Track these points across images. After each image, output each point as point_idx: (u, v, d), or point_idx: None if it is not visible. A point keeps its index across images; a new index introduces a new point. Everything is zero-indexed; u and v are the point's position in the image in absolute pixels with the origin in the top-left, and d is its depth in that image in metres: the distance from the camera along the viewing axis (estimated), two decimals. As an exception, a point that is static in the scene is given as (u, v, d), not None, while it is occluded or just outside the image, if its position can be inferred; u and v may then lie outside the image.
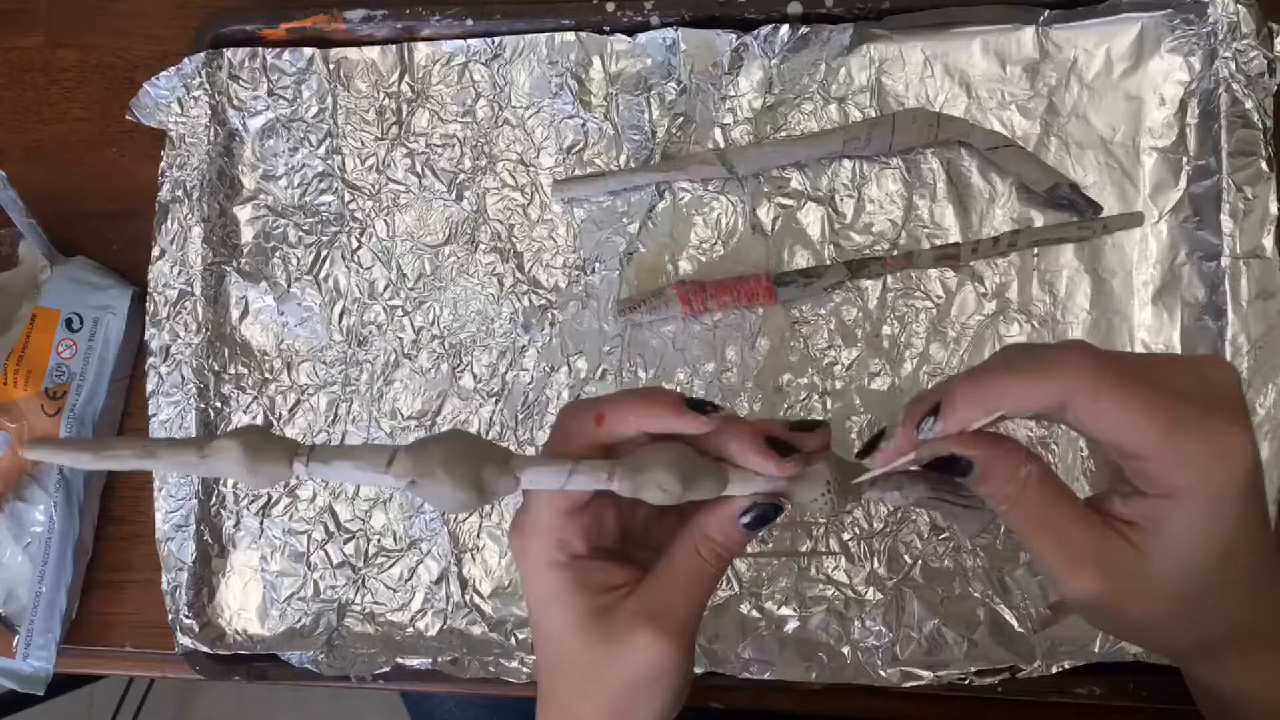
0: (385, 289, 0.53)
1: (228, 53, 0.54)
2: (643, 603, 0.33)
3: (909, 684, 0.47)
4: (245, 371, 0.54)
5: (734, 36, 0.50)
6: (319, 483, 0.53)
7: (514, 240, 0.53)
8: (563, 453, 0.32)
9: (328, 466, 0.29)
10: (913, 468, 0.32)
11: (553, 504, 0.33)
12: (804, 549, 0.49)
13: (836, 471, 0.33)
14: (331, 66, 0.54)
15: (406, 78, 0.54)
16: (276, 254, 0.54)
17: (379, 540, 0.53)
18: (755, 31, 0.50)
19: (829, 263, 0.50)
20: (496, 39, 0.53)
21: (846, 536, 0.49)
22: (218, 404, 0.54)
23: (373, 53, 0.54)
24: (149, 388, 0.53)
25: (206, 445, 0.28)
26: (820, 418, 0.34)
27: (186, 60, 0.54)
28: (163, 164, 0.54)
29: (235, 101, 0.54)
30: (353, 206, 0.54)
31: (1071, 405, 0.28)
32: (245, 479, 0.29)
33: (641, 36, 0.51)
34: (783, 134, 0.51)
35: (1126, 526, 0.30)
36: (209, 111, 0.54)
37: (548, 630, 0.34)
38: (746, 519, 0.33)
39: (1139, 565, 0.29)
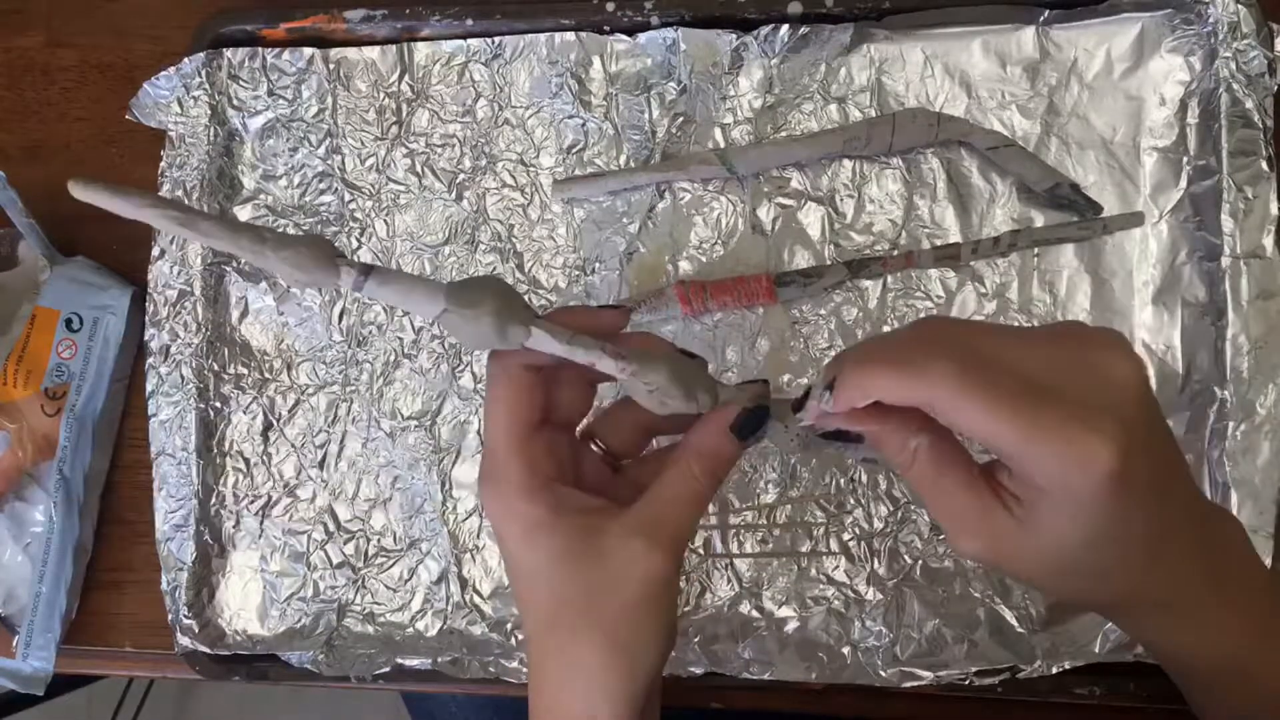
0: (385, 289, 0.53)
1: (228, 53, 0.54)
2: (635, 518, 0.33)
3: (909, 684, 0.47)
4: (245, 371, 0.54)
5: (734, 36, 0.50)
6: (319, 483, 0.53)
7: (514, 240, 0.53)
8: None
9: (382, 288, 0.30)
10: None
11: (509, 430, 0.34)
12: (804, 549, 0.49)
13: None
14: (331, 66, 0.54)
15: (406, 78, 0.54)
16: (276, 254, 0.54)
17: (379, 540, 0.53)
18: (755, 31, 0.50)
19: (829, 263, 0.50)
20: (496, 39, 0.53)
21: (846, 537, 0.49)
22: (218, 404, 0.54)
23: (373, 53, 0.54)
24: (149, 388, 0.53)
25: (279, 243, 0.29)
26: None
27: (186, 60, 0.54)
28: (163, 164, 0.54)
29: (235, 101, 0.54)
30: (353, 206, 0.54)
31: (935, 409, 0.29)
32: (296, 281, 0.30)
33: (641, 36, 0.51)
34: (783, 134, 0.51)
35: (1011, 498, 0.31)
36: (209, 111, 0.54)
37: (534, 567, 0.34)
38: (737, 427, 0.33)
39: (1018, 534, 0.31)
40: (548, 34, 0.52)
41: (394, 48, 0.54)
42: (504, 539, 0.35)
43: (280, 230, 0.29)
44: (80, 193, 0.28)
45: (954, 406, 0.29)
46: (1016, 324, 0.49)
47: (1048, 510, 0.30)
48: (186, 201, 0.54)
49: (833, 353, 0.50)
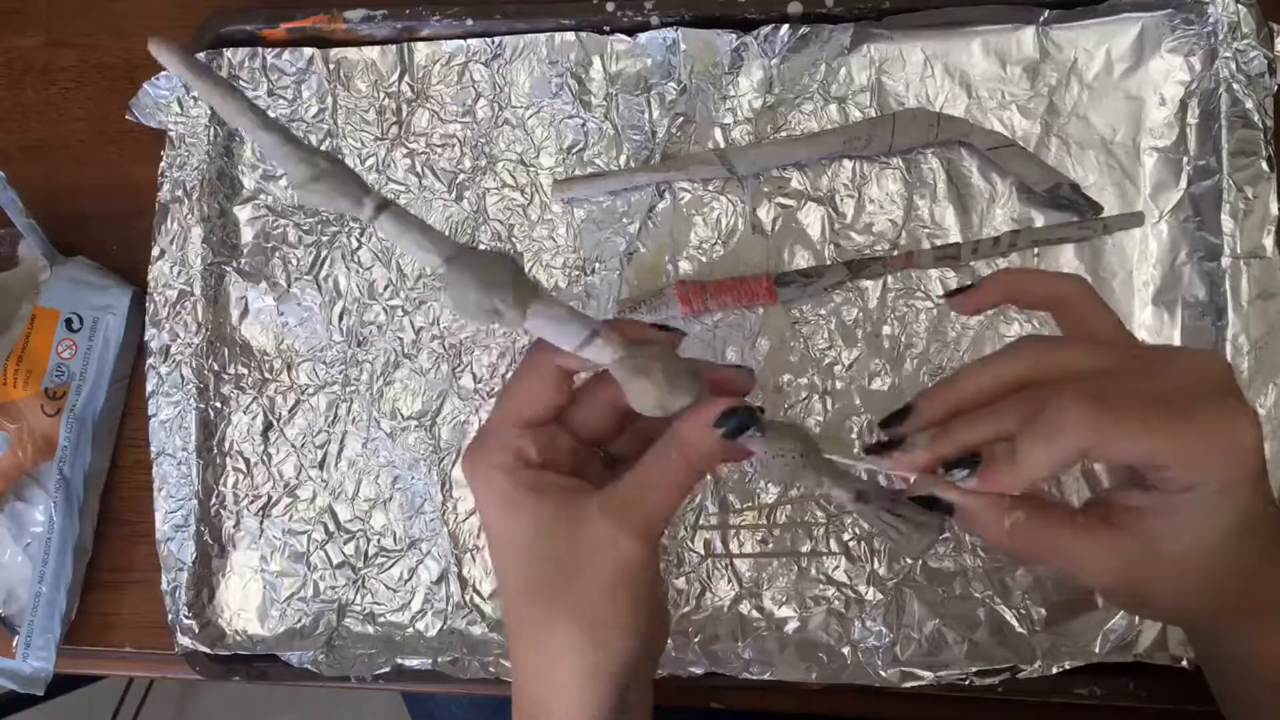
0: (385, 289, 0.53)
1: (228, 53, 0.54)
2: (608, 499, 0.33)
3: (909, 684, 0.47)
4: (245, 371, 0.54)
5: (734, 36, 0.50)
6: (319, 483, 0.53)
7: (514, 240, 0.53)
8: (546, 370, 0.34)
9: (394, 225, 0.30)
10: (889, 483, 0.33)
11: (510, 413, 0.34)
12: (804, 549, 0.49)
13: (806, 445, 0.33)
14: (331, 66, 0.54)
15: (406, 78, 0.54)
16: (276, 254, 0.54)
17: (379, 540, 0.53)
18: (755, 31, 0.50)
19: (829, 263, 0.50)
20: (496, 39, 0.53)
21: (846, 537, 0.49)
22: (218, 404, 0.54)
23: (373, 53, 0.54)
24: (149, 388, 0.53)
25: (314, 160, 0.29)
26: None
27: (186, 60, 0.54)
28: (163, 164, 0.54)
29: (235, 101, 0.54)
30: (353, 206, 0.54)
31: (1091, 455, 0.30)
32: (312, 199, 0.29)
33: (641, 36, 0.51)
34: (783, 134, 0.51)
35: (1136, 516, 0.32)
36: (209, 111, 0.54)
37: (510, 541, 0.34)
38: (720, 423, 0.32)
39: (1152, 552, 0.31)
40: (548, 34, 0.52)
41: (394, 48, 0.54)
42: (483, 510, 0.35)
43: (311, 147, 0.29)
44: (157, 52, 0.29)
45: (1109, 444, 0.30)
46: (1017, 324, 0.49)
47: (1192, 507, 0.31)
48: (186, 204, 0.54)
49: (833, 353, 0.50)
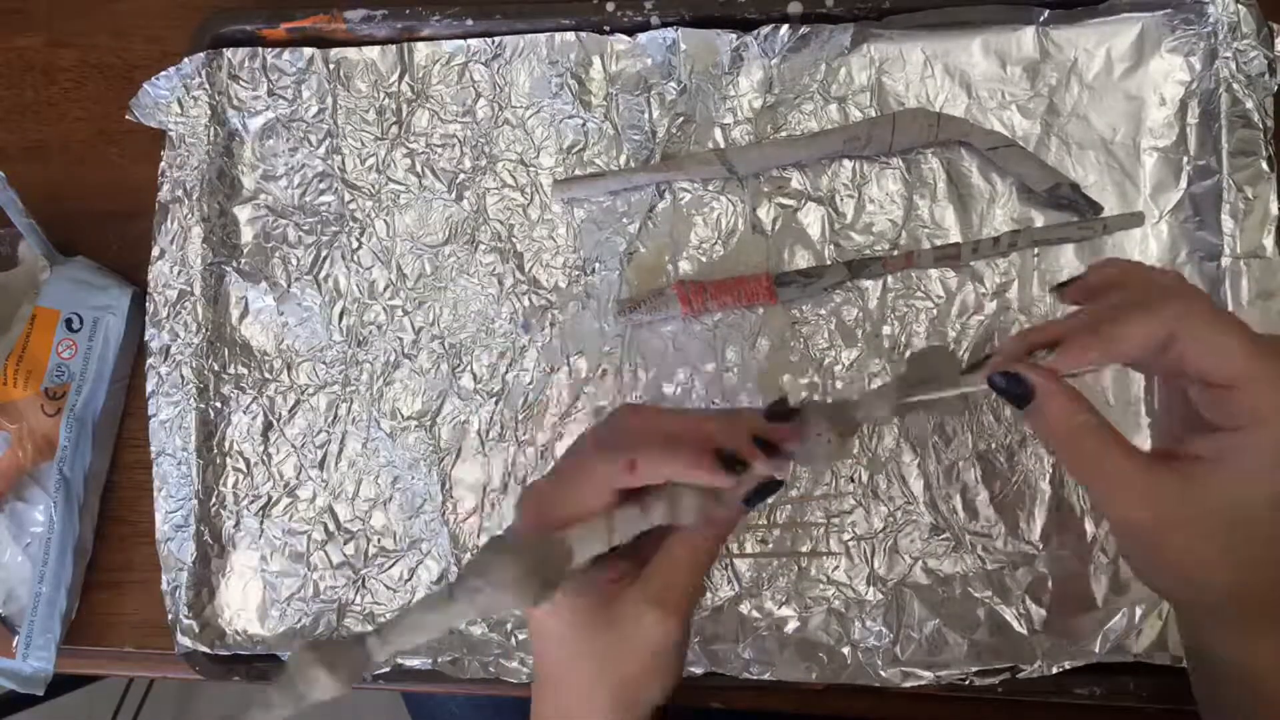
0: (385, 289, 0.53)
1: (228, 53, 0.54)
2: (647, 587, 0.35)
3: (909, 684, 0.47)
4: (245, 371, 0.54)
5: (734, 36, 0.50)
6: (319, 483, 0.53)
7: (514, 240, 0.53)
8: (591, 499, 0.34)
9: (402, 638, 0.32)
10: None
11: (556, 523, 0.34)
12: (804, 549, 0.49)
13: (829, 421, 0.35)
14: (331, 66, 0.54)
15: (406, 78, 0.54)
16: (276, 254, 0.54)
17: (379, 541, 0.53)
18: (755, 31, 0.50)
19: (829, 263, 0.50)
20: (496, 39, 0.53)
21: (846, 537, 0.49)
22: (218, 404, 0.54)
23: (373, 53, 0.54)
24: (149, 388, 0.53)
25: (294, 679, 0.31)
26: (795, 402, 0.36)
27: (186, 60, 0.54)
28: (163, 164, 0.54)
29: (235, 101, 0.54)
30: (353, 206, 0.54)
31: (1176, 340, 0.31)
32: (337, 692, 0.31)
33: (641, 36, 0.51)
34: (783, 134, 0.51)
35: (1184, 462, 0.32)
36: (209, 111, 0.54)
37: (554, 630, 0.35)
38: (749, 501, 0.34)
39: (1189, 493, 0.31)
40: (548, 34, 0.52)
41: (394, 48, 0.54)
42: (528, 612, 0.37)
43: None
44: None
45: (1195, 333, 0.31)
46: (1018, 324, 0.49)
47: (1248, 450, 0.31)
48: (186, 204, 0.54)
49: (833, 353, 0.50)
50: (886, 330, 0.50)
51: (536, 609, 0.35)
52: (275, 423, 0.54)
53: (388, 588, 0.52)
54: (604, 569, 0.35)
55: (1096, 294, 0.35)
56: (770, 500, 0.35)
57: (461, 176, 0.53)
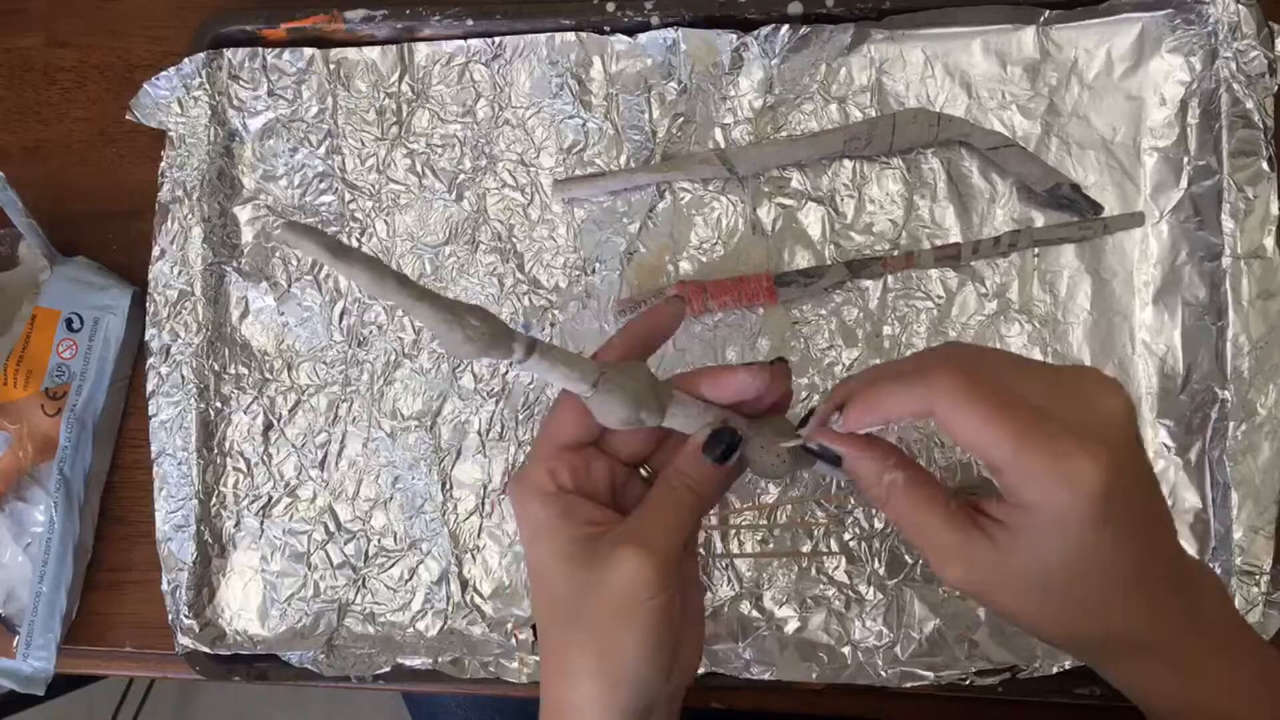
0: (385, 289, 0.53)
1: (228, 53, 0.54)
2: (623, 528, 0.35)
3: (909, 684, 0.47)
4: (245, 371, 0.54)
5: (734, 36, 0.50)
6: (320, 483, 0.53)
7: (514, 240, 0.53)
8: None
9: (539, 363, 0.33)
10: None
11: (548, 440, 0.36)
12: (804, 549, 0.49)
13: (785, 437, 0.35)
14: (331, 66, 0.54)
15: (406, 78, 0.54)
16: (276, 254, 0.54)
17: (379, 540, 0.53)
18: (755, 31, 0.50)
19: (829, 263, 0.50)
20: (496, 39, 0.53)
21: (847, 537, 0.49)
22: (218, 404, 0.54)
23: (373, 53, 0.54)
24: (149, 388, 0.53)
25: (463, 320, 0.31)
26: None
27: (186, 60, 0.54)
28: (163, 164, 0.54)
29: (235, 101, 0.54)
30: (353, 206, 0.54)
31: (936, 416, 0.31)
32: (469, 356, 0.32)
33: (642, 36, 0.51)
34: (783, 134, 0.51)
35: (994, 525, 0.32)
36: (209, 111, 0.54)
37: (538, 563, 0.35)
38: (708, 451, 0.35)
39: (1000, 561, 0.31)
40: (548, 34, 0.52)
41: (394, 48, 0.54)
42: (521, 536, 0.37)
43: (462, 308, 0.32)
44: (292, 239, 0.30)
45: (954, 411, 0.30)
46: (1018, 324, 0.49)
47: (1031, 531, 0.31)
48: (186, 204, 0.54)
49: (833, 353, 0.50)
50: (887, 330, 0.50)
51: (542, 540, 0.35)
52: (275, 423, 0.54)
53: (388, 588, 0.52)
54: (593, 510, 0.35)
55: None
56: (732, 458, 0.35)
57: (461, 176, 0.53)
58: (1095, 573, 0.31)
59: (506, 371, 0.52)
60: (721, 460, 0.35)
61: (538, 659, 0.49)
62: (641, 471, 0.38)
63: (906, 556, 0.49)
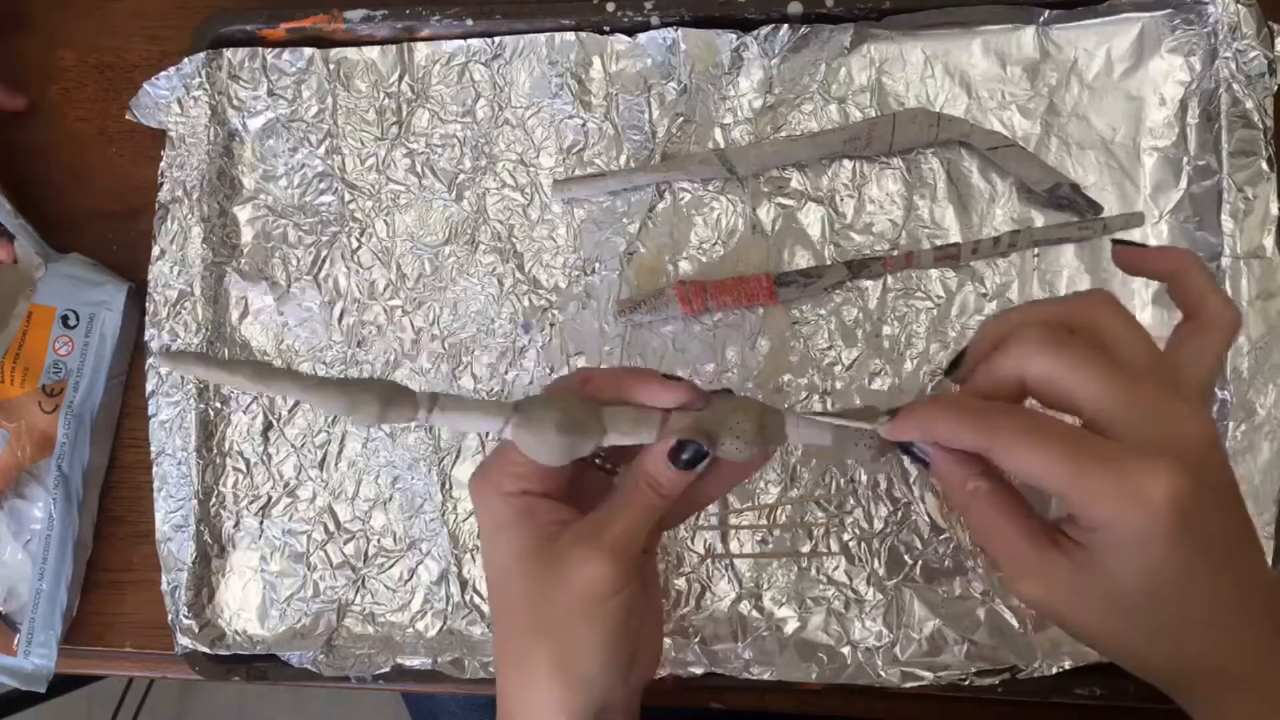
0: (385, 289, 0.53)
1: (228, 53, 0.54)
2: (581, 527, 0.35)
3: (909, 684, 0.47)
4: (245, 371, 0.54)
5: (734, 36, 0.50)
6: (319, 483, 0.53)
7: (514, 240, 0.53)
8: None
9: (446, 415, 0.33)
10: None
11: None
12: (804, 549, 0.49)
13: (750, 419, 0.35)
14: (331, 66, 0.54)
15: (406, 78, 0.54)
16: (276, 254, 0.54)
17: (379, 541, 0.53)
18: (755, 31, 0.50)
19: (829, 263, 0.50)
20: (496, 39, 0.53)
21: (846, 537, 0.49)
22: (218, 404, 0.54)
23: (373, 53, 0.54)
24: (149, 388, 0.53)
25: (353, 393, 0.32)
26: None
27: (186, 60, 0.54)
28: (163, 164, 0.54)
29: (235, 101, 0.54)
30: (353, 206, 0.54)
31: (996, 454, 0.31)
32: (373, 423, 0.32)
33: (641, 36, 0.51)
34: (783, 134, 0.51)
35: (1073, 546, 0.31)
36: (209, 111, 0.54)
37: (497, 561, 0.35)
38: (675, 460, 0.34)
39: (1076, 581, 0.31)
40: (548, 34, 0.52)
41: (394, 48, 0.54)
42: (479, 526, 0.37)
43: (338, 378, 0.34)
44: (167, 364, 0.30)
45: (1011, 452, 0.30)
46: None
47: (1107, 552, 0.30)
48: (186, 204, 0.54)
49: (833, 353, 0.50)
50: (886, 330, 0.50)
51: (498, 546, 0.35)
52: (275, 423, 0.54)
53: (388, 588, 0.52)
54: (557, 510, 0.35)
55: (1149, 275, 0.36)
56: (700, 465, 0.34)
57: (461, 176, 0.53)
58: (1175, 595, 0.30)
59: (506, 371, 0.52)
60: (689, 467, 0.34)
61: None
62: (596, 460, 0.38)
63: (906, 556, 0.49)
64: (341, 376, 0.32)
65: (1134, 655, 0.33)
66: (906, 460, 0.35)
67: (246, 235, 0.55)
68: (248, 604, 0.53)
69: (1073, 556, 0.31)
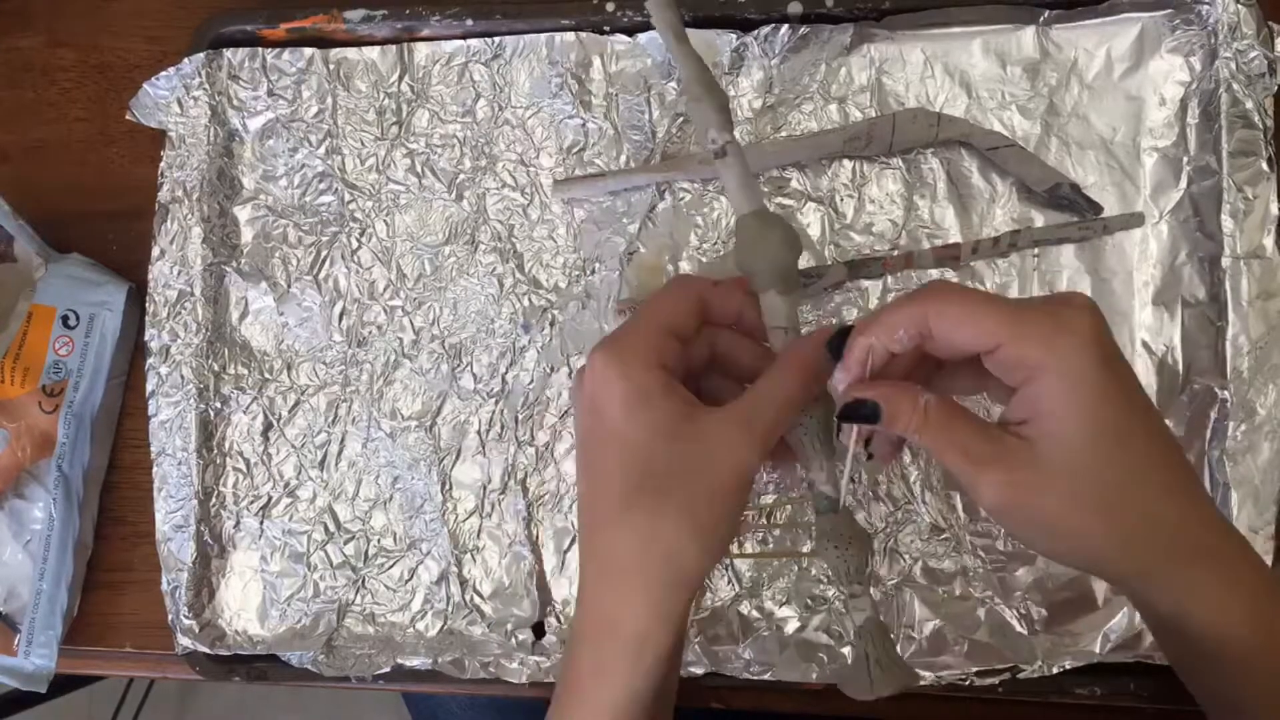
0: (385, 289, 0.53)
1: (227, 53, 0.54)
2: (733, 409, 0.35)
3: (909, 684, 0.47)
4: (245, 371, 0.54)
5: (734, 36, 0.50)
6: (319, 483, 0.53)
7: (514, 240, 0.53)
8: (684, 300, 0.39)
9: (729, 169, 0.40)
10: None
11: (656, 320, 0.36)
12: (804, 549, 0.49)
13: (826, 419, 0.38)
14: (331, 67, 0.54)
15: (406, 78, 0.54)
16: (276, 254, 0.54)
17: (379, 541, 0.53)
18: (755, 32, 0.50)
19: (829, 263, 0.50)
20: (496, 39, 0.53)
21: (846, 537, 0.49)
22: (218, 404, 0.54)
23: (373, 53, 0.54)
24: (149, 388, 0.53)
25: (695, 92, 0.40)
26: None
27: (186, 60, 0.54)
28: (163, 164, 0.54)
29: (235, 101, 0.54)
30: (353, 206, 0.54)
31: (931, 325, 0.33)
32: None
33: (641, 36, 0.51)
34: (783, 134, 0.51)
35: (1019, 426, 0.33)
36: (209, 111, 0.54)
37: (631, 435, 0.35)
38: (831, 344, 0.35)
39: (1034, 453, 0.32)
40: (548, 34, 0.52)
41: (394, 48, 0.54)
42: (603, 407, 0.36)
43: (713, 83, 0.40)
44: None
45: (945, 309, 0.33)
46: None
47: (1047, 399, 0.32)
48: (186, 204, 0.54)
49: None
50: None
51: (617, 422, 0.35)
52: (275, 423, 0.54)
53: (388, 588, 0.52)
54: (691, 396, 0.36)
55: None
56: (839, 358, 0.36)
57: (461, 176, 0.53)
58: (1129, 438, 0.32)
59: (506, 371, 0.52)
60: (838, 356, 0.35)
61: (538, 659, 0.49)
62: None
63: (906, 556, 0.49)
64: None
65: (1094, 548, 0.34)
66: (856, 445, 0.36)
67: (246, 235, 0.55)
68: (248, 604, 0.53)
69: (1023, 434, 0.33)
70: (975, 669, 0.47)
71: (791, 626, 0.49)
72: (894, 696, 0.48)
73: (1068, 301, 0.33)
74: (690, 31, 0.50)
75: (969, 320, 0.32)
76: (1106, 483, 0.32)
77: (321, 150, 0.54)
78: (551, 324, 0.52)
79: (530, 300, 0.52)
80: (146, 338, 0.54)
